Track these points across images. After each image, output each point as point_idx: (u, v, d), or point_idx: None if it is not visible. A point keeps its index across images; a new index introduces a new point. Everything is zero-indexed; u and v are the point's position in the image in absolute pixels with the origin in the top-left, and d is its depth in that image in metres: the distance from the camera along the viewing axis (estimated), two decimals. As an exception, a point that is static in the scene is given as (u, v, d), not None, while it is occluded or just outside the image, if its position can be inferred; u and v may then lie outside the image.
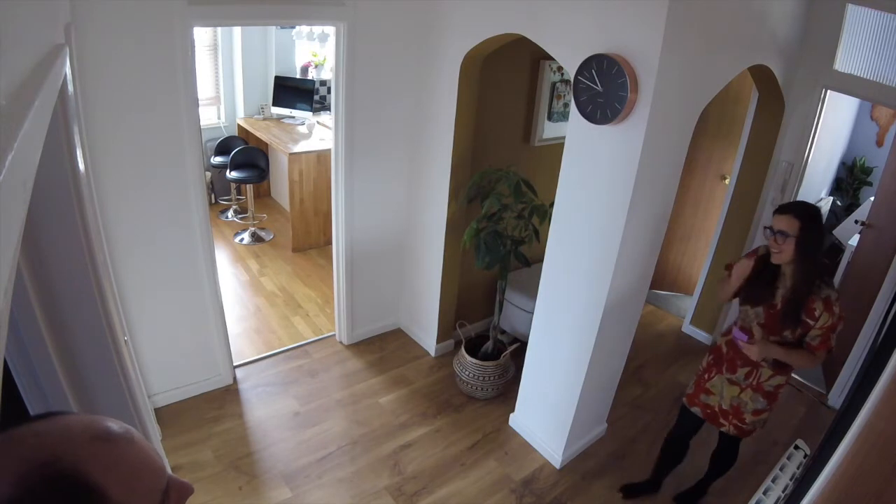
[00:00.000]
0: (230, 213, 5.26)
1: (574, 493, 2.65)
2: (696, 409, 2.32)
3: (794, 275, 1.93)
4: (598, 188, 2.23)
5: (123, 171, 2.35)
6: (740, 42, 2.36)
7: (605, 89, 2.02)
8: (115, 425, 0.61)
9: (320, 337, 3.63)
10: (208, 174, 4.95)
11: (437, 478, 2.66)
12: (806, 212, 1.89)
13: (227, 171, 4.65)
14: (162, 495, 0.62)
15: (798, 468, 2.75)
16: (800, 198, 3.46)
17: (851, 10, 2.80)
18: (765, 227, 1.94)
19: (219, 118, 5.36)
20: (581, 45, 2.09)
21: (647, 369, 3.60)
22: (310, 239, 4.81)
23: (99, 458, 0.57)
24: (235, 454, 2.67)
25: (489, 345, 3.21)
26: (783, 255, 1.90)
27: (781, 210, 1.90)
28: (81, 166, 1.35)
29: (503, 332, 3.54)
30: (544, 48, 2.31)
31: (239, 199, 5.32)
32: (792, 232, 1.85)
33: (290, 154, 4.49)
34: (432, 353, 3.53)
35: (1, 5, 0.60)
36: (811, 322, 1.92)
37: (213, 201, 5.31)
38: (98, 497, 0.55)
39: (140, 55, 2.20)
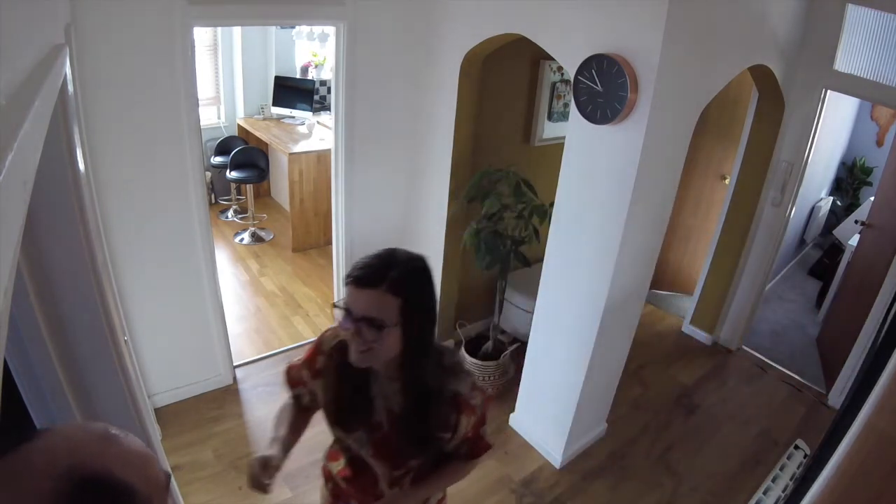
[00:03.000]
0: (230, 213, 5.26)
1: (574, 493, 2.65)
2: None
3: (403, 377, 1.17)
4: (598, 188, 2.23)
5: (123, 171, 2.35)
6: (740, 42, 2.36)
7: (605, 89, 2.02)
8: (106, 425, 0.63)
9: (320, 337, 3.62)
10: (208, 174, 4.94)
11: (437, 478, 2.65)
12: (408, 277, 1.09)
13: (227, 171, 4.65)
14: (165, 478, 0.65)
15: (798, 468, 2.75)
16: (800, 198, 3.44)
17: (851, 10, 2.80)
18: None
19: (219, 118, 5.36)
20: (581, 45, 2.09)
21: (647, 369, 3.60)
22: (310, 239, 4.81)
23: (112, 456, 0.58)
24: (235, 454, 2.67)
25: (489, 345, 3.21)
26: (375, 354, 1.08)
27: (364, 279, 1.04)
28: (81, 166, 1.35)
29: (503, 332, 3.54)
30: (544, 48, 2.31)
31: (239, 199, 5.32)
32: (389, 319, 1.04)
33: (290, 154, 4.49)
34: (432, 353, 3.53)
35: (1, 5, 0.60)
36: (448, 435, 1.22)
37: (213, 201, 5.31)
38: (128, 491, 0.57)
39: (140, 55, 2.20)
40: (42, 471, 0.53)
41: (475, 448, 1.32)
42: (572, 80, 2.12)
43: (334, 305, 1.10)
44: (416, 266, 1.14)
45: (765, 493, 2.61)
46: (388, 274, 1.06)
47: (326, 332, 1.29)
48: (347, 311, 1.06)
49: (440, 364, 1.21)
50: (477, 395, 1.25)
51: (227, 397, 3.03)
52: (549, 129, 3.42)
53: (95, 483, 0.55)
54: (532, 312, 2.78)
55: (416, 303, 1.10)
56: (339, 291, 3.44)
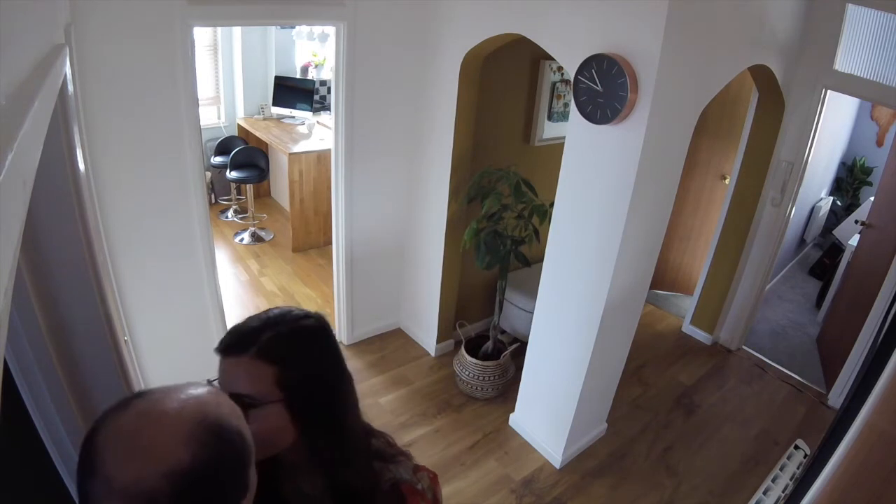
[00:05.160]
0: (230, 213, 5.26)
1: (574, 492, 2.65)
2: None
3: (312, 466, 0.89)
4: (598, 188, 2.23)
5: (123, 171, 2.35)
6: (740, 42, 2.36)
7: (605, 89, 2.02)
8: (206, 384, 0.74)
9: (320, 337, 3.62)
10: (208, 174, 4.95)
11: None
12: (288, 339, 0.85)
13: (227, 171, 4.65)
14: None
15: (798, 468, 2.75)
16: (800, 198, 3.44)
17: (851, 10, 2.80)
18: (209, 381, 0.81)
19: (219, 118, 5.36)
20: (581, 45, 2.09)
21: (647, 369, 3.60)
22: (310, 239, 4.81)
23: (225, 406, 0.68)
24: (235, 454, 2.66)
25: (489, 345, 3.21)
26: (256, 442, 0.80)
27: (228, 346, 0.84)
28: (81, 166, 1.35)
29: (503, 332, 3.54)
30: (544, 48, 2.31)
31: (239, 199, 5.32)
32: (262, 394, 0.81)
33: (290, 154, 4.49)
34: (432, 353, 3.53)
35: (1, 5, 0.60)
36: None
37: (213, 201, 5.31)
38: (242, 436, 0.67)
39: (140, 55, 2.20)
40: (181, 419, 0.62)
41: None
42: (572, 80, 2.12)
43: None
44: (303, 326, 0.87)
45: (765, 493, 2.61)
46: (260, 337, 0.83)
47: None
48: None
49: (368, 449, 0.96)
50: (423, 477, 1.01)
51: (227, 397, 3.03)
52: (549, 129, 3.42)
53: (219, 429, 0.64)
54: (532, 312, 2.78)
55: (301, 372, 0.84)
56: (339, 291, 3.44)
